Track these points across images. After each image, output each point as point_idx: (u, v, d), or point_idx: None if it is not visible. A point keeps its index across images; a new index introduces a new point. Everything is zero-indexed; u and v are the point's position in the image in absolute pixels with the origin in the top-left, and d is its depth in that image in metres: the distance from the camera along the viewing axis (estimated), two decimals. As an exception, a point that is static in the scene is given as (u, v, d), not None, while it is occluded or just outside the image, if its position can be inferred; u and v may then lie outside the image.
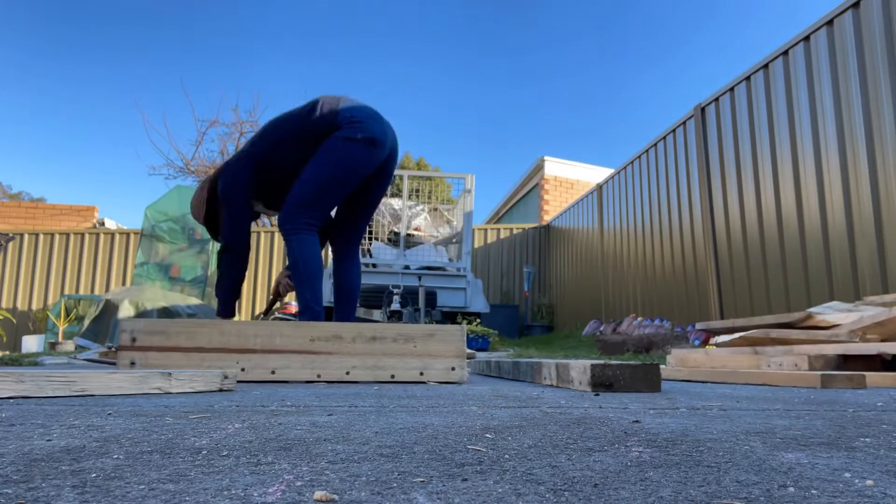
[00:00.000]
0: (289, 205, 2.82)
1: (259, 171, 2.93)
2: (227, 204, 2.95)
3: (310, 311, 2.74)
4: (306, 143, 2.86)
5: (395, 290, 6.73)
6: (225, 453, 0.72)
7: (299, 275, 2.76)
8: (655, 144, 6.70)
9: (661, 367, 2.78)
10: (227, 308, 3.07)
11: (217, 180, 3.01)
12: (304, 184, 2.81)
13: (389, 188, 3.83)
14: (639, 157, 7.11)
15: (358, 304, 3.16)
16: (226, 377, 1.61)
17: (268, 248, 10.56)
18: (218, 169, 3.07)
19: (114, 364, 3.17)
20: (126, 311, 5.90)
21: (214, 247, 7.73)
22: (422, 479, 0.59)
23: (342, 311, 3.09)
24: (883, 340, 2.27)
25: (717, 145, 5.42)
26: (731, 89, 5.23)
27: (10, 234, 9.97)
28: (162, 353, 1.95)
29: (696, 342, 4.86)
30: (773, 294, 4.58)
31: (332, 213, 3.14)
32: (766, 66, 4.74)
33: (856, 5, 3.87)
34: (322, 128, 2.85)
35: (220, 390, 1.58)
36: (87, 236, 10.30)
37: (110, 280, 10.20)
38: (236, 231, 2.96)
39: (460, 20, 35.29)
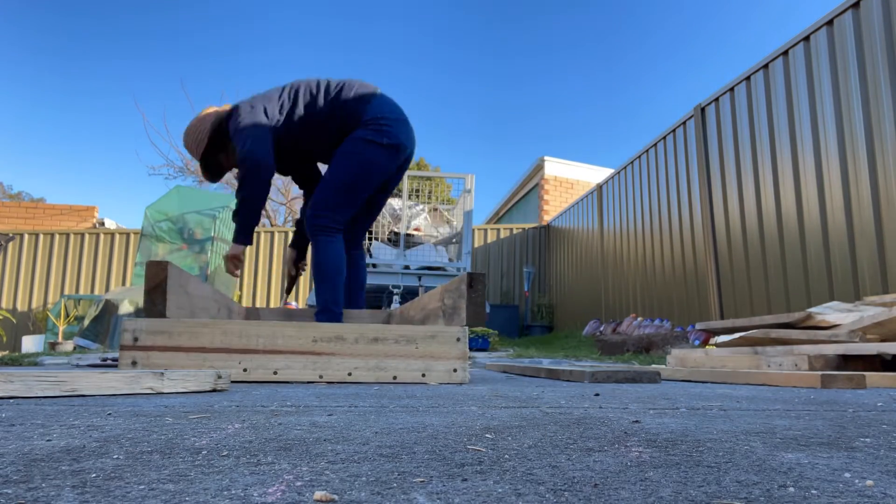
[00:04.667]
0: (315, 205, 2.78)
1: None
2: (246, 131, 2.72)
3: (329, 312, 2.73)
4: (324, 122, 2.79)
5: (395, 290, 6.73)
6: (225, 453, 0.72)
7: (321, 275, 2.74)
8: (655, 144, 6.70)
9: (661, 367, 2.78)
10: (249, 237, 2.86)
11: (226, 119, 2.84)
12: (329, 185, 2.77)
13: None
14: (639, 157, 7.11)
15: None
16: (219, 377, 1.60)
17: (268, 247, 10.56)
18: (226, 110, 2.90)
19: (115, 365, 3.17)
20: (126, 310, 5.90)
21: (215, 246, 7.72)
22: (422, 479, 0.59)
23: (350, 298, 3.10)
24: (883, 340, 2.27)
25: (717, 145, 5.41)
26: (731, 89, 5.23)
27: (10, 234, 9.98)
28: (164, 353, 1.94)
29: (696, 342, 4.86)
30: (773, 294, 4.58)
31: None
32: (766, 66, 4.74)
33: (856, 5, 3.87)
34: (346, 115, 2.77)
35: (214, 390, 1.58)
36: (87, 236, 10.30)
37: (110, 280, 10.20)
38: (263, 144, 2.71)
39: (461, 21, 35.36)
